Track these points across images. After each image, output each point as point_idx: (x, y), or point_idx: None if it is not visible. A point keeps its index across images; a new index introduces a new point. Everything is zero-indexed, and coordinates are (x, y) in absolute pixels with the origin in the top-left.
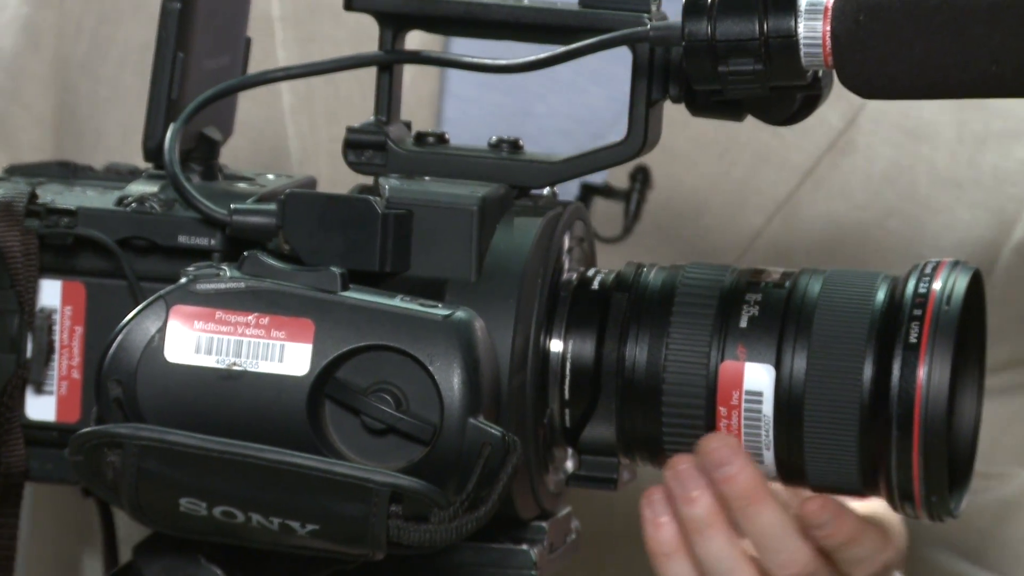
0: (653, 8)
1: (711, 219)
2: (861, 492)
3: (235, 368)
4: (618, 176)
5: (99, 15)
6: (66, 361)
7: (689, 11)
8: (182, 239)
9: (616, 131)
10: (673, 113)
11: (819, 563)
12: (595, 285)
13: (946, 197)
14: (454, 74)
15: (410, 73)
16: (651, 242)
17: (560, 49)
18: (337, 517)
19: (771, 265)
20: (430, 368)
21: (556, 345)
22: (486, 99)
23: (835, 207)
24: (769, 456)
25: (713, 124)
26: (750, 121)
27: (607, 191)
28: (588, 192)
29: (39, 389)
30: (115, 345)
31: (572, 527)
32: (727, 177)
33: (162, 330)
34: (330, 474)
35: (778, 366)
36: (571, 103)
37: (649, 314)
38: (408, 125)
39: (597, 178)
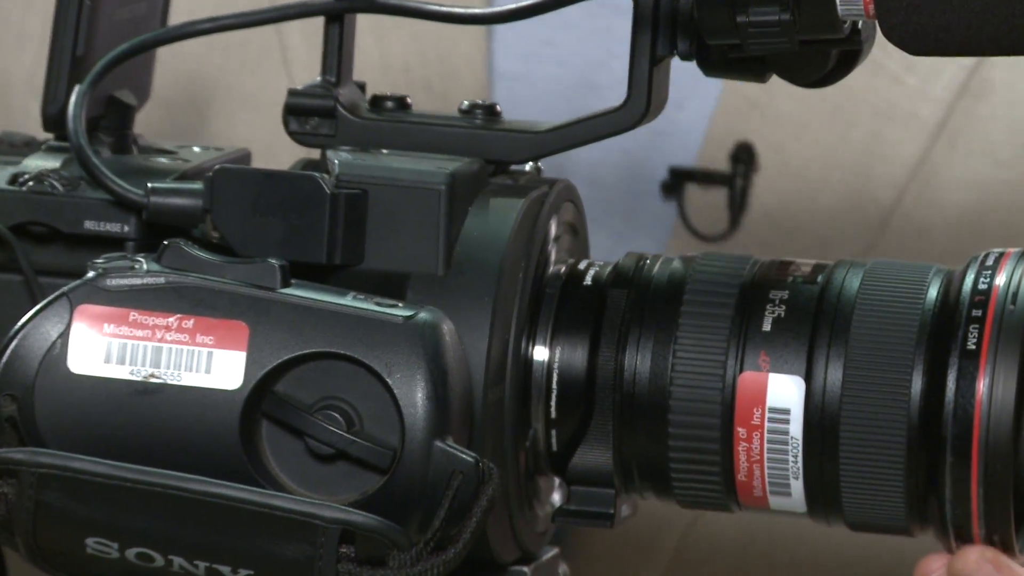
0: None
1: (830, 198)
2: (908, 530)
3: (153, 381)
4: (714, 155)
5: None
6: None
7: None
8: (89, 225)
9: (695, 102)
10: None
11: None
12: (588, 280)
13: None
14: (499, 49)
15: (447, 51)
16: (763, 235)
17: None
18: (276, 560)
19: (906, 249)
20: (388, 381)
21: (541, 353)
22: (538, 74)
23: (975, 168)
24: (798, 487)
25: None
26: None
27: (704, 176)
28: (679, 179)
29: None
30: (8, 353)
31: (560, 572)
32: (844, 143)
33: (65, 335)
34: (267, 508)
35: (808, 378)
36: None
37: (653, 315)
38: (362, 87)
39: (687, 160)
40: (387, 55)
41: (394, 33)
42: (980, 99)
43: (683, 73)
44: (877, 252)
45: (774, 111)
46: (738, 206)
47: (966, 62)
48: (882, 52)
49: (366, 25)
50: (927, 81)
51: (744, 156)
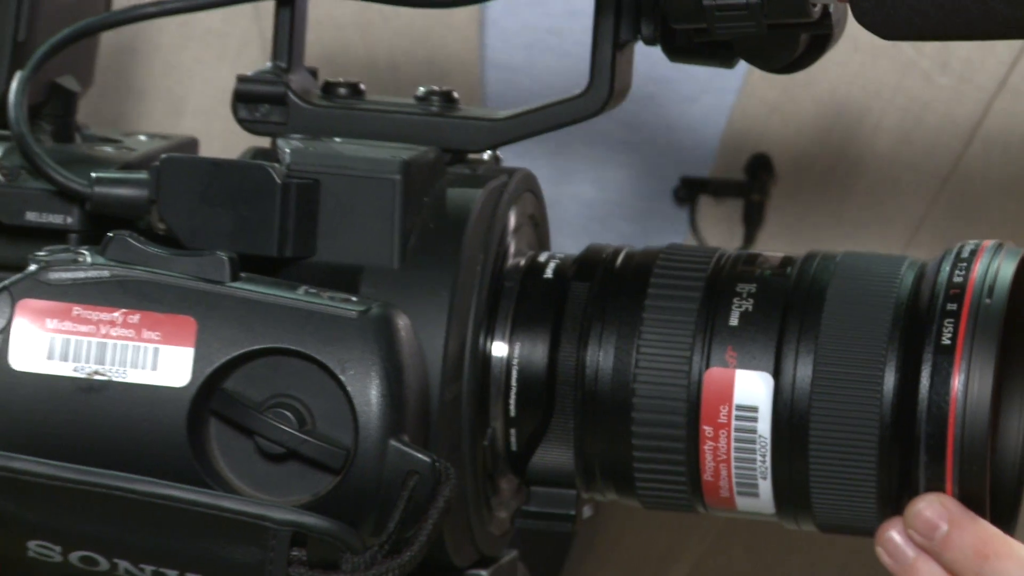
0: None
1: (855, 210)
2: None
3: (97, 378)
4: (730, 162)
5: None
6: None
7: None
8: (31, 216)
9: (712, 95)
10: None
11: None
12: (549, 273)
13: None
14: (493, 39)
15: (442, 41)
16: (781, 251)
17: None
18: (225, 564)
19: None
20: (342, 378)
21: (500, 348)
22: (537, 65)
23: (1015, 173)
24: (766, 487)
25: (835, 70)
26: (886, 60)
27: (718, 186)
28: (692, 189)
29: None
30: None
31: None
32: (870, 148)
33: (6, 331)
34: (216, 510)
35: (777, 374)
36: (651, 60)
37: (616, 309)
38: (314, 73)
39: (702, 164)
40: (373, 51)
41: (380, 29)
42: (1019, 96)
43: (698, 68)
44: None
45: (787, 112)
46: (754, 221)
47: (1006, 57)
48: (915, 51)
49: (349, 20)
50: (962, 80)
51: (761, 167)
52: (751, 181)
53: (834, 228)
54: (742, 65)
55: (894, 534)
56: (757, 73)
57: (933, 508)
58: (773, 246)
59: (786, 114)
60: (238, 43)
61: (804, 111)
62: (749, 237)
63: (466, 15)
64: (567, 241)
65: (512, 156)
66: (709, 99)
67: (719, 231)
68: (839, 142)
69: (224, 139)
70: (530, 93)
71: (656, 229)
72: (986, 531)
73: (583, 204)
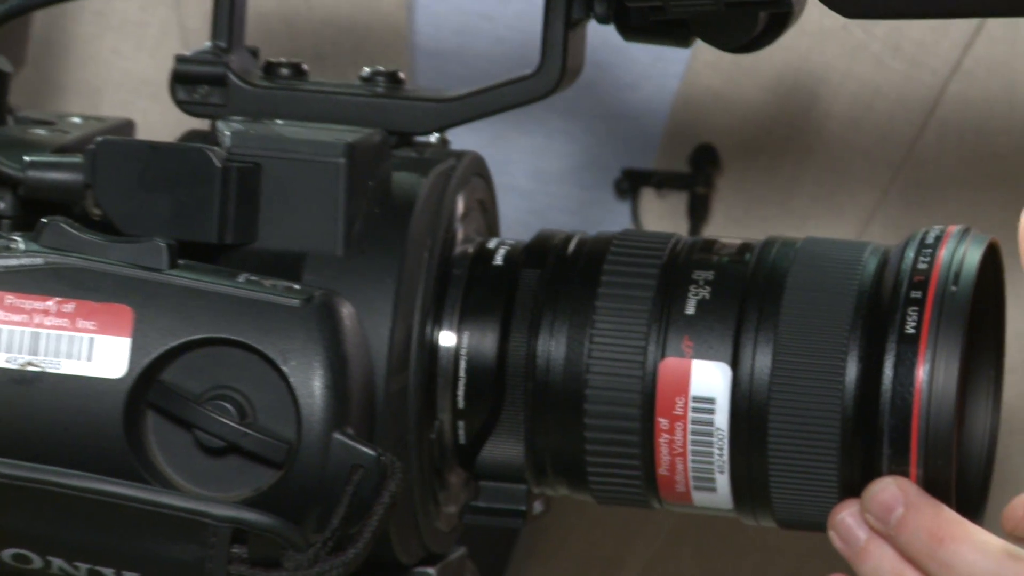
0: None
1: (805, 200)
2: None
3: (30, 369)
4: (674, 152)
5: None
6: None
7: None
8: None
9: (654, 82)
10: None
11: None
12: (498, 260)
13: None
14: (423, 24)
15: (369, 28)
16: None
17: None
18: (163, 562)
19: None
20: (284, 369)
21: (447, 338)
22: (468, 51)
23: (967, 157)
24: (723, 481)
25: (781, 55)
26: (835, 44)
27: (661, 178)
28: (634, 181)
29: None
30: None
31: (467, 574)
32: (819, 135)
33: None
34: (153, 506)
35: (735, 364)
36: (590, 45)
37: (568, 297)
38: (255, 52)
39: (643, 161)
40: (297, 41)
41: (303, 16)
42: (974, 81)
43: (642, 51)
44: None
45: (739, 102)
46: (700, 214)
47: (959, 39)
48: (865, 33)
49: (273, 8)
50: (915, 63)
51: (706, 158)
52: (695, 173)
53: (783, 219)
54: (683, 51)
55: (846, 516)
56: (700, 59)
57: (889, 490)
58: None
59: (731, 101)
60: (157, 32)
61: (750, 98)
62: (694, 231)
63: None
64: (506, 234)
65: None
66: (651, 86)
67: (663, 225)
68: (786, 130)
69: (143, 132)
70: (461, 80)
71: (596, 222)
72: (942, 514)
73: (521, 196)
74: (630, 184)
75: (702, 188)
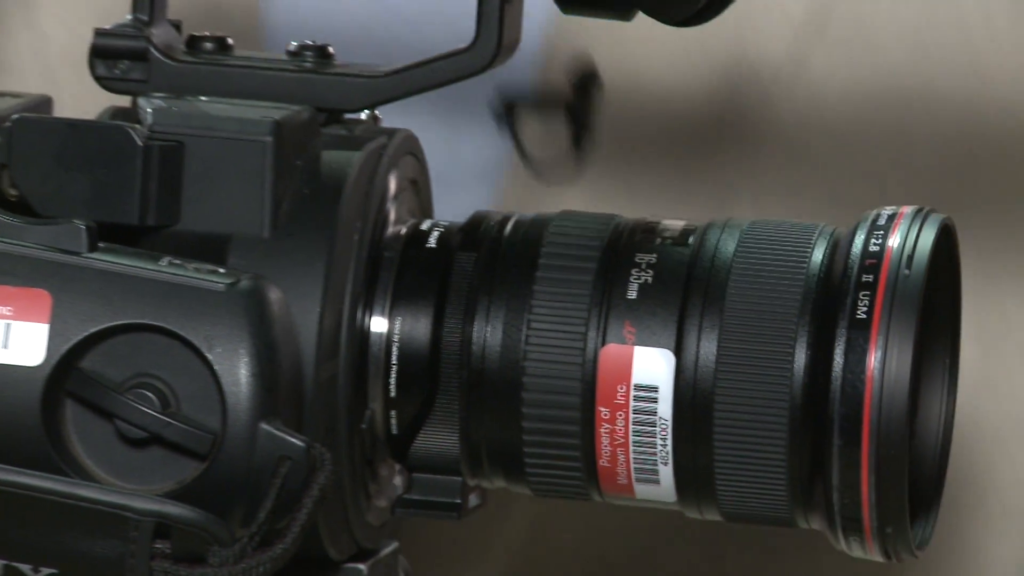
0: None
1: (689, 122)
2: (791, 522)
3: None
4: (554, 76)
5: None
6: None
7: None
8: None
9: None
10: None
11: None
12: (432, 242)
13: None
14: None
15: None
16: (617, 181)
17: None
18: (82, 557)
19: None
20: (208, 356)
21: (379, 324)
22: (330, 28)
23: (856, 76)
24: (667, 473)
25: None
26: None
27: (541, 103)
28: (507, 110)
29: None
30: None
31: (400, 569)
32: (702, 61)
33: None
34: (72, 499)
35: (679, 351)
36: None
37: (504, 281)
38: (178, 26)
39: (520, 86)
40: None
41: None
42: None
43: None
44: (746, 181)
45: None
46: (581, 143)
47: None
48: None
49: None
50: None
51: (587, 81)
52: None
53: (677, 158)
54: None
55: None
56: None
57: None
58: (607, 180)
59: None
60: (75, 5)
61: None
62: (577, 158)
63: None
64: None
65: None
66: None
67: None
68: (667, 52)
69: (62, 109)
70: (314, 30)
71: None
72: None
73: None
74: (506, 110)
75: (584, 115)
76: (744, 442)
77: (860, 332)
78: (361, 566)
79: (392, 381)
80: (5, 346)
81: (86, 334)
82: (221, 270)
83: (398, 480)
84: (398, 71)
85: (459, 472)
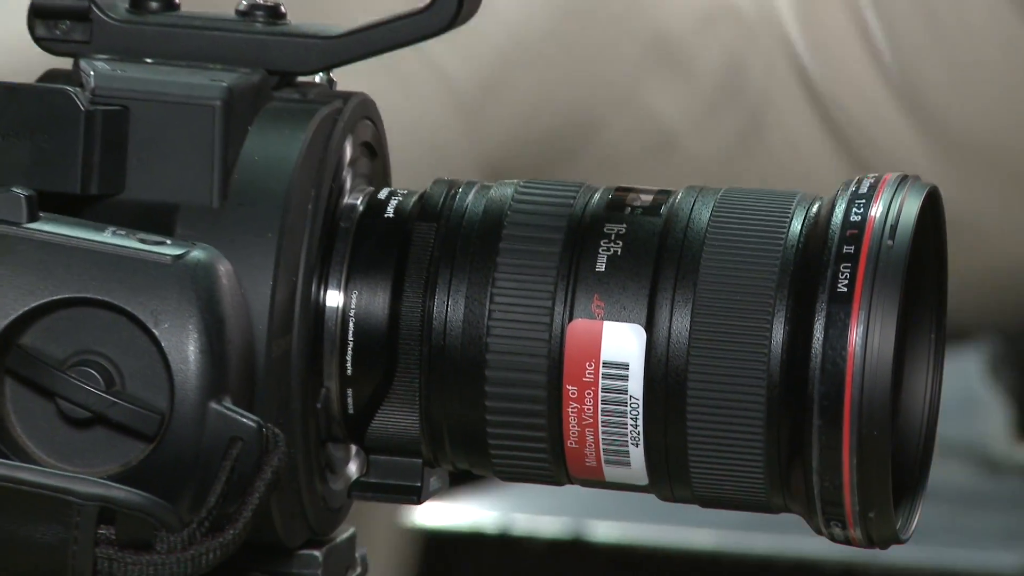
0: None
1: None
2: (769, 506)
3: None
4: None
5: None
6: None
7: None
8: None
9: None
10: None
11: None
12: (390, 212)
13: None
14: None
15: None
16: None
17: None
18: (23, 544)
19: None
20: (155, 332)
21: (334, 298)
22: None
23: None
24: (638, 454)
25: None
26: None
27: None
28: None
29: None
30: None
31: (357, 557)
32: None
33: None
34: (11, 482)
35: (650, 326)
36: None
37: (467, 253)
38: None
39: None
40: None
41: None
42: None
43: None
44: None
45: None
46: None
47: None
48: None
49: None
50: None
51: None
52: None
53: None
54: None
55: None
56: None
57: None
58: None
59: None
60: None
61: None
62: None
63: None
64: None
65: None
66: None
67: None
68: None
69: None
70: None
71: None
72: None
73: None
74: None
75: None
76: (719, 422)
77: (841, 306)
78: (316, 552)
79: (348, 358)
80: None
81: (26, 309)
82: (168, 241)
83: (355, 462)
84: (354, 32)
85: (419, 454)
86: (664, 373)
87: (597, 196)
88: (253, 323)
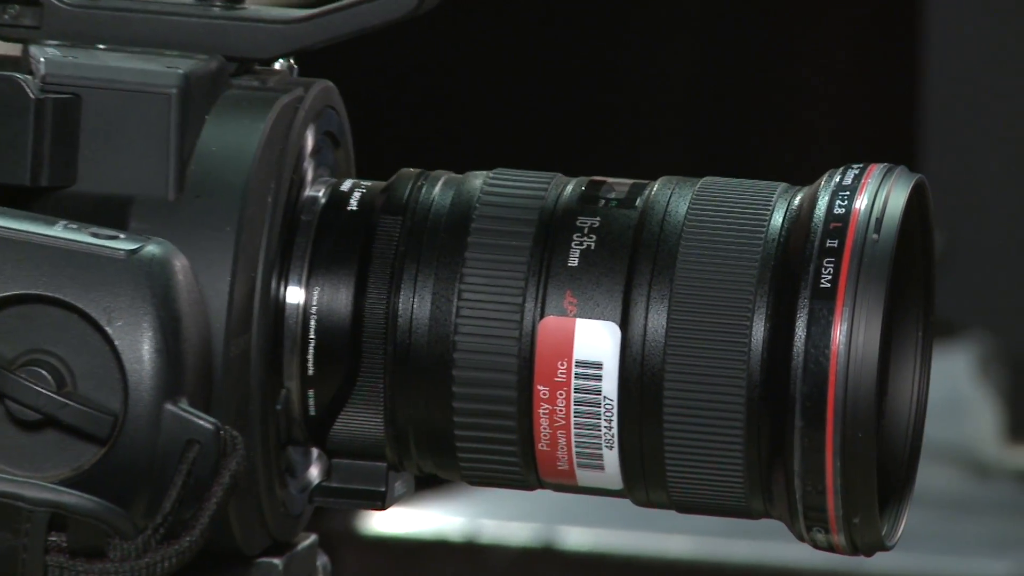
0: None
1: None
2: (749, 511)
3: None
4: None
5: None
6: None
7: None
8: None
9: None
10: None
11: None
12: (353, 204)
13: None
14: None
15: None
16: None
17: None
18: None
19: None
20: (108, 330)
21: (295, 295)
22: None
23: None
24: (612, 458)
25: None
26: None
27: None
28: None
29: None
30: None
31: (319, 565)
32: None
33: None
34: None
35: (625, 324)
36: None
37: (434, 247)
38: None
39: None
40: None
41: None
42: None
43: None
44: None
45: None
46: None
47: None
48: None
49: None
50: None
51: None
52: None
53: None
54: None
55: None
56: None
57: None
58: None
59: None
60: None
61: None
62: None
63: None
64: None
65: None
66: None
67: None
68: None
69: None
70: None
71: None
72: None
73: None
74: None
75: None
76: (696, 423)
77: (824, 302)
78: (276, 561)
79: (310, 357)
80: None
81: None
82: (122, 235)
83: (316, 466)
84: (315, 16)
85: (383, 457)
86: (639, 373)
87: (570, 188)
88: (210, 321)
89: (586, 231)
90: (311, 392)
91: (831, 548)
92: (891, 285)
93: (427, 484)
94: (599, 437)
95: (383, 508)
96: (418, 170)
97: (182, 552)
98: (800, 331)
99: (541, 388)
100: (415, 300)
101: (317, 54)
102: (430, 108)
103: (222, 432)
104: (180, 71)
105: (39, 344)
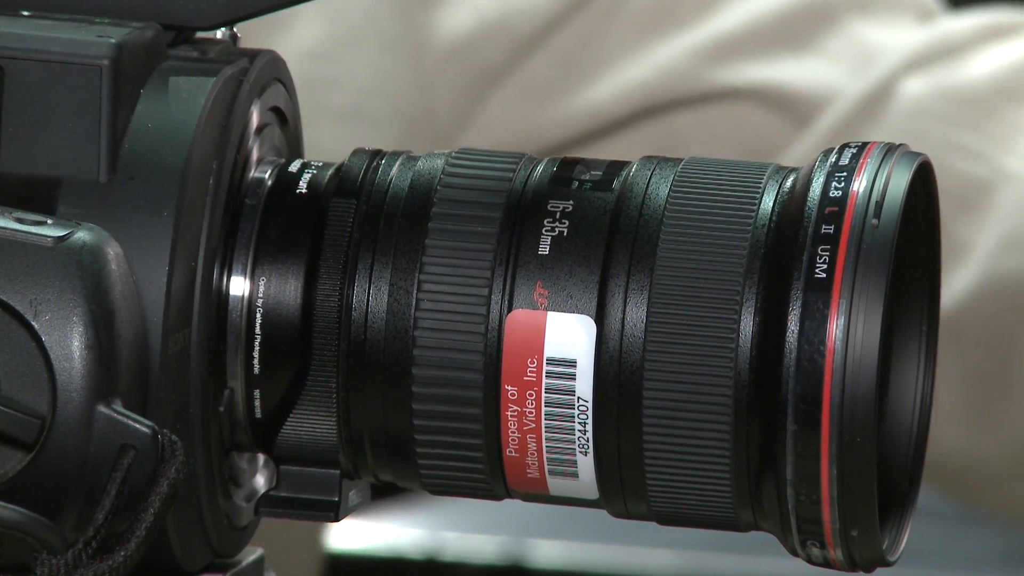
0: None
1: None
2: (737, 524)
3: None
4: None
5: None
6: None
7: None
8: None
9: None
10: None
11: None
12: (303, 187)
13: None
14: None
15: None
16: None
17: None
18: None
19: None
20: (34, 324)
21: (239, 286)
22: None
23: None
24: (587, 464)
25: None
26: None
27: None
28: None
29: None
30: None
31: None
32: None
33: None
34: None
35: (600, 318)
36: None
37: (391, 234)
38: None
39: None
40: None
41: None
42: None
43: None
44: None
45: None
46: None
47: None
48: None
49: None
50: None
51: None
52: None
53: None
54: None
55: None
56: None
57: None
58: None
59: None
60: None
61: None
62: None
63: None
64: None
65: None
66: None
67: None
68: None
69: None
70: None
71: None
72: None
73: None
74: None
75: None
76: (679, 427)
77: (819, 295)
78: None
79: (255, 355)
80: None
81: None
82: (49, 221)
83: (263, 474)
84: None
85: (336, 464)
86: (617, 371)
87: (540, 168)
88: (147, 315)
89: (558, 216)
90: (257, 392)
91: (827, 563)
92: (892, 275)
93: (384, 493)
94: (573, 442)
95: (336, 520)
96: (373, 149)
97: (116, 568)
98: (793, 326)
99: (509, 388)
100: (371, 292)
101: (262, 22)
102: None
103: (160, 436)
104: (112, 40)
105: None
